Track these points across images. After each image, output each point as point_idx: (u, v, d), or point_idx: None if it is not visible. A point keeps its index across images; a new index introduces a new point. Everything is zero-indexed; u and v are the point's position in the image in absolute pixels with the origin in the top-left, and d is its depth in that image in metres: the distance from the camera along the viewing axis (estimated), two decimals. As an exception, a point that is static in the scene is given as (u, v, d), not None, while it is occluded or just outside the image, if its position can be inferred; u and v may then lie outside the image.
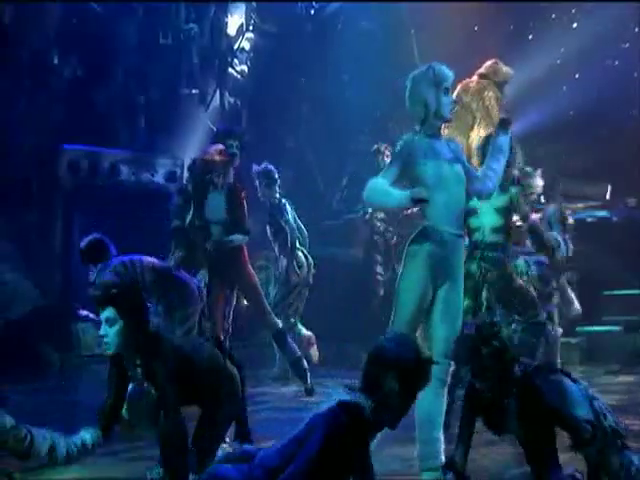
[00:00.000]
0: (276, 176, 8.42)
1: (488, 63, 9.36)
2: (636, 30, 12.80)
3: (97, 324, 8.84)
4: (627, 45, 12.23)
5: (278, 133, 10.96)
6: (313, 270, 8.79)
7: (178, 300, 7.10)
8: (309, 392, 7.56)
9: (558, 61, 11.98)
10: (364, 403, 3.26)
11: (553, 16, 13.16)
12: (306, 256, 8.79)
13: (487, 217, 6.26)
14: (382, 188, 4.40)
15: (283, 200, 8.67)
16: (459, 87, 9.58)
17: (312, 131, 11.44)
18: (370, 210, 10.18)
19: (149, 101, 10.92)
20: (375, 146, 10.57)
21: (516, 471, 4.73)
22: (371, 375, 3.30)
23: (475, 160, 6.54)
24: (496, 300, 6.25)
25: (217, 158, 7.53)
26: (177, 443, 4.03)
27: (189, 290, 7.19)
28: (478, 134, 9.50)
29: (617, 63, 12.18)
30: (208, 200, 7.50)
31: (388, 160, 10.48)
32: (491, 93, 9.17)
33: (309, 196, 11.24)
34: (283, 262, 8.79)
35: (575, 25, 12.74)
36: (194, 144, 10.98)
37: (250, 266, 7.62)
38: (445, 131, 10.25)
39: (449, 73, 4.64)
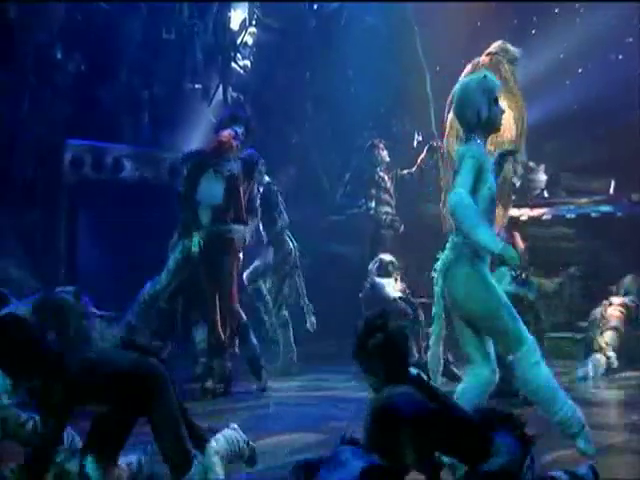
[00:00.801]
0: (259, 161, 8.27)
1: (496, 43, 9.49)
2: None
3: (103, 320, 8.95)
4: (630, 40, 12.17)
5: (282, 129, 10.93)
6: (298, 253, 8.78)
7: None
8: (262, 390, 7.56)
9: (561, 56, 11.93)
10: (383, 463, 2.98)
11: (556, 11, 13.11)
12: (291, 239, 8.78)
13: None
14: (474, 214, 4.37)
15: (273, 187, 8.62)
16: (469, 66, 9.67)
17: (316, 127, 11.40)
18: (373, 204, 10.16)
19: (153, 96, 10.90)
20: (370, 141, 10.58)
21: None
22: (381, 435, 2.99)
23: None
24: None
25: (225, 140, 7.46)
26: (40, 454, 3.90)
27: None
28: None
29: (621, 58, 12.13)
30: (204, 182, 7.44)
31: (384, 154, 10.51)
32: (506, 66, 9.31)
33: (313, 192, 11.22)
34: (270, 250, 8.74)
35: (578, 20, 12.69)
36: (198, 139, 10.95)
37: (237, 260, 7.55)
38: None
39: (498, 83, 4.80)
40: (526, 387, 4.69)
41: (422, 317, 8.32)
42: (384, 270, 8.63)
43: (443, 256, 4.69)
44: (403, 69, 11.58)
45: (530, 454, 3.50)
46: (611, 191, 10.99)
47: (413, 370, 3.71)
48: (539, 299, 7.92)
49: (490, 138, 9.25)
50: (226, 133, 7.50)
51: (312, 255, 10.39)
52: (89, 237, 10.71)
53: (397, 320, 3.79)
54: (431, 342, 4.82)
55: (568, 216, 10.19)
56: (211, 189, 7.39)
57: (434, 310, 4.77)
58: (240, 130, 7.53)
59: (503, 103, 10.18)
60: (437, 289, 4.72)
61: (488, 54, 9.61)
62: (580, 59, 11.78)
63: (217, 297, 7.42)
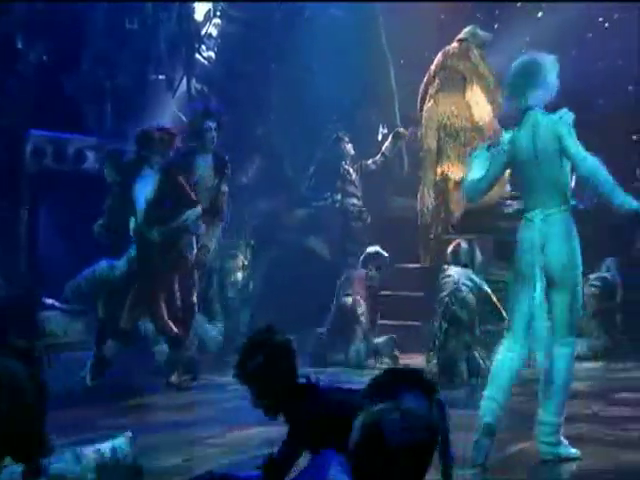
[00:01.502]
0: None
1: (467, 28, 9.61)
2: (600, 20, 12.90)
3: (63, 313, 8.83)
4: (591, 35, 12.31)
5: (247, 120, 10.86)
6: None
7: None
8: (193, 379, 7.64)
9: (523, 50, 12.01)
10: None
11: (518, 5, 13.21)
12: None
13: None
14: (610, 176, 4.75)
15: None
16: (440, 54, 9.81)
17: (282, 118, 11.35)
18: (340, 197, 10.18)
19: (116, 87, 10.76)
20: (335, 134, 10.60)
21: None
22: (372, 463, 2.40)
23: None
24: None
25: (157, 135, 7.36)
26: None
27: None
28: (472, 93, 9.80)
29: (582, 53, 12.25)
30: (139, 179, 7.36)
31: (349, 146, 10.53)
32: (476, 52, 9.47)
33: (279, 184, 11.17)
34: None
35: (540, 14, 12.79)
36: (162, 130, 10.83)
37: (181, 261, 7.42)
38: (438, 94, 10.60)
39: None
40: (560, 376, 4.82)
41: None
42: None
43: (537, 230, 4.74)
44: (368, 61, 11.58)
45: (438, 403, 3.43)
46: (573, 184, 11.09)
47: (313, 378, 3.54)
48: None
49: (468, 129, 9.74)
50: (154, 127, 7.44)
51: (279, 247, 10.39)
52: (50, 228, 10.58)
53: (283, 334, 3.58)
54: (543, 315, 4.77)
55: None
56: (146, 185, 7.31)
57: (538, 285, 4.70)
58: (213, 125, 7.48)
59: (476, 89, 10.45)
60: (537, 260, 4.70)
61: (458, 40, 9.78)
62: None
63: (161, 293, 7.31)
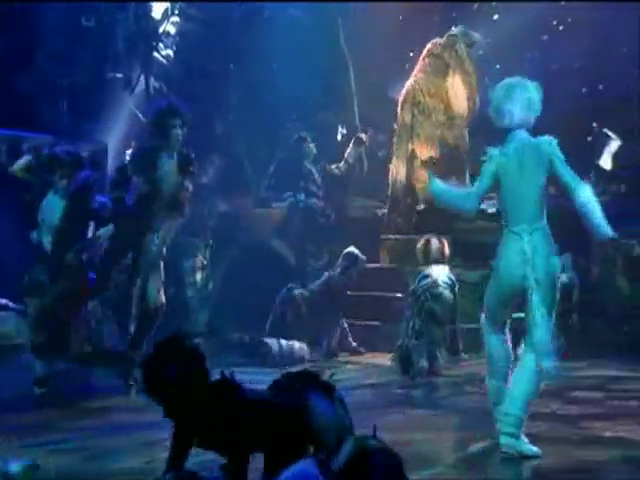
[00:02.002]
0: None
1: (457, 28, 10.02)
2: (554, 23, 13.08)
3: (18, 313, 8.65)
4: (546, 37, 12.46)
5: (206, 119, 10.80)
6: None
7: None
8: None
9: (480, 52, 12.14)
10: None
11: (475, 7, 13.34)
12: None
13: None
14: None
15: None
16: (430, 44, 10.16)
17: (241, 118, 11.32)
18: (303, 197, 10.22)
19: (72, 85, 10.63)
20: (297, 135, 10.62)
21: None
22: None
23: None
24: None
25: (63, 157, 7.20)
26: None
27: None
28: (453, 82, 10.11)
29: (537, 55, 12.39)
30: (45, 202, 7.23)
31: (311, 146, 10.57)
32: (462, 45, 9.82)
33: (238, 184, 11.13)
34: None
35: (496, 17, 12.93)
36: (118, 129, 10.74)
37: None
38: (419, 75, 10.88)
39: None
40: (532, 372, 5.08)
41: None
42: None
43: (526, 244, 5.02)
44: (327, 62, 11.61)
45: (340, 401, 3.47)
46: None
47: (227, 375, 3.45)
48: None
49: (441, 111, 10.02)
50: (60, 148, 7.31)
51: (239, 247, 10.35)
52: (3, 227, 10.41)
53: (190, 340, 3.51)
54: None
55: (490, 210, 10.36)
56: (52, 211, 7.15)
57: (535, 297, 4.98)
58: (178, 122, 7.38)
59: (457, 79, 10.79)
60: (529, 273, 4.99)
61: (449, 36, 10.13)
62: (497, 55, 12.00)
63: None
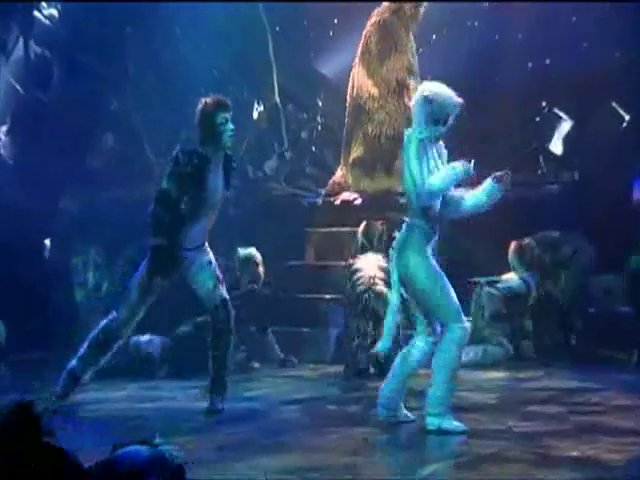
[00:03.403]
0: None
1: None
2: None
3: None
4: (487, 5, 11.89)
5: (98, 93, 9.88)
6: None
7: None
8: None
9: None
10: None
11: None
12: None
13: None
14: None
15: None
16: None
17: (140, 91, 10.51)
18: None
19: None
20: None
21: None
22: None
23: None
24: None
25: None
26: None
27: None
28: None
29: (477, 24, 11.85)
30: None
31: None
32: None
33: (137, 167, 10.24)
34: None
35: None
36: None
37: None
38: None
39: None
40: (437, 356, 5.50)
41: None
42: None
43: (398, 236, 5.56)
44: (241, 28, 10.78)
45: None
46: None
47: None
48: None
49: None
50: None
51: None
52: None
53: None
54: (389, 311, 5.67)
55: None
56: None
57: (391, 281, 5.62)
58: (228, 116, 6.48)
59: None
60: (392, 264, 5.60)
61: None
62: (441, 26, 11.32)
63: None
